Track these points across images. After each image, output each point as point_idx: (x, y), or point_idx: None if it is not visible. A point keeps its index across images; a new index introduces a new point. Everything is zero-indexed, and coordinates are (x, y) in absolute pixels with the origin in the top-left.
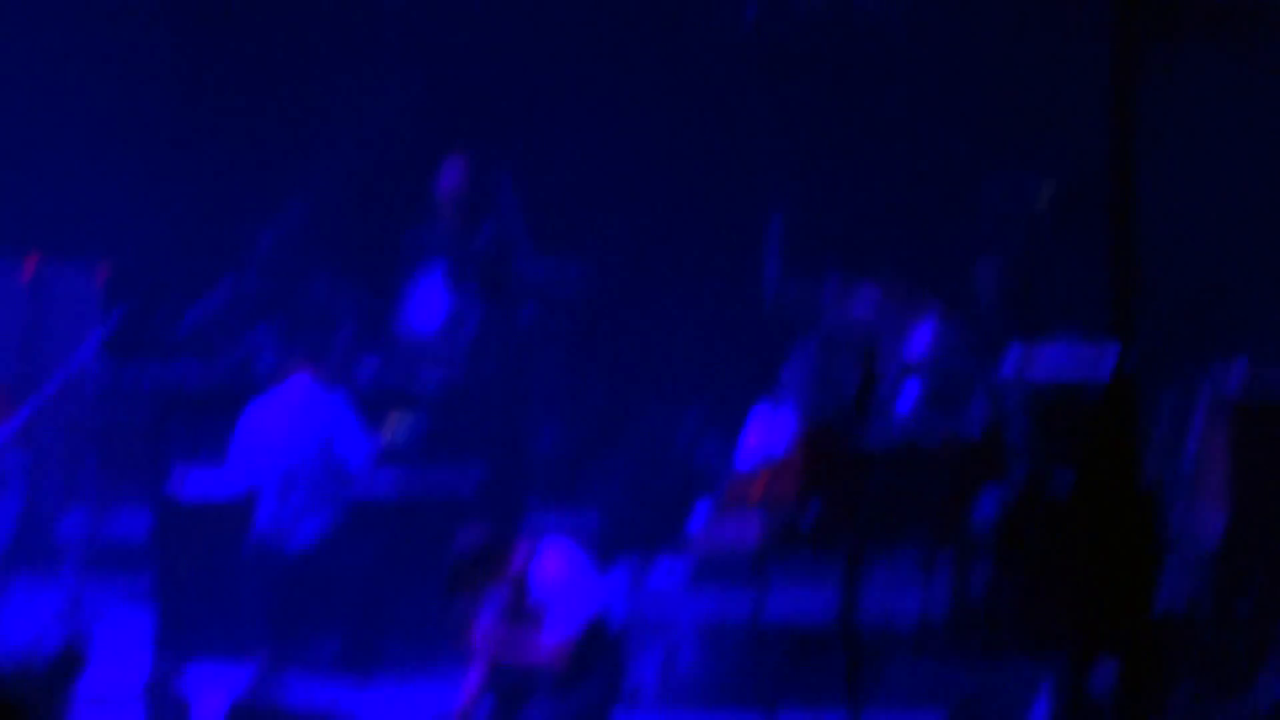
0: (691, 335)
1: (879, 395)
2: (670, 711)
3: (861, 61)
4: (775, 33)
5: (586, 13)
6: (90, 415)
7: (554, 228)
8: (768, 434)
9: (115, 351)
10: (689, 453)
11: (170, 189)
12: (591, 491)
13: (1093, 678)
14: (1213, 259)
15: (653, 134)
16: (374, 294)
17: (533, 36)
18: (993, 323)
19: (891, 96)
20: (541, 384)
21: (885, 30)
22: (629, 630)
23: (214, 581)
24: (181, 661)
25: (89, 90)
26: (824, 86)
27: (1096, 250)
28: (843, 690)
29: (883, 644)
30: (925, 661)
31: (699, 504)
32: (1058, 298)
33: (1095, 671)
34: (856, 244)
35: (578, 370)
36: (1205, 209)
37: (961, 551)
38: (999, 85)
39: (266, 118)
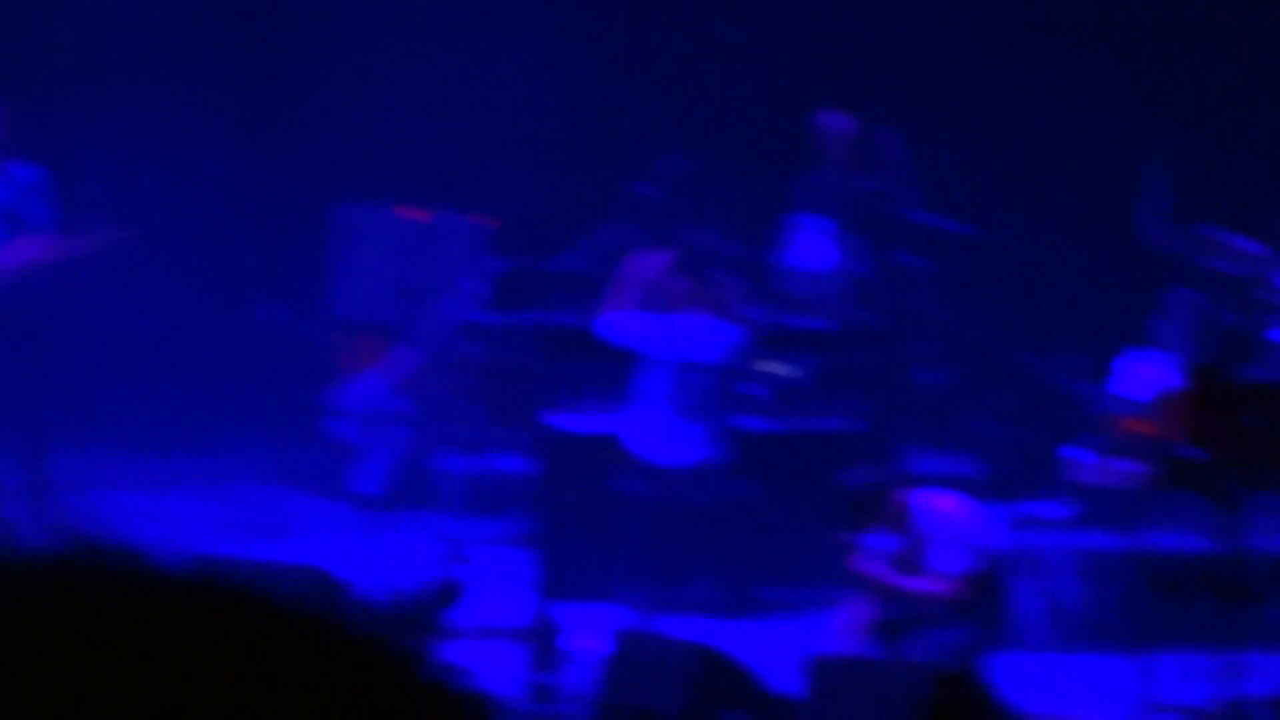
0: (1067, 275)
1: (1260, 336)
2: (1053, 649)
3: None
4: None
5: None
6: (473, 357)
7: (938, 187)
8: (1147, 376)
9: (498, 297)
10: (1069, 394)
11: (553, 146)
12: (971, 432)
13: None
14: None
15: (1029, 87)
16: (757, 241)
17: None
18: None
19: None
20: (924, 327)
21: None
22: (1012, 569)
23: (594, 521)
24: (560, 601)
25: (485, 59)
26: (1210, 43)
27: None
28: (1225, 629)
29: (1266, 583)
30: None
31: (1079, 445)
32: None
33: None
34: (1234, 194)
35: (960, 314)
36: None
37: None
38: None
39: (646, 73)
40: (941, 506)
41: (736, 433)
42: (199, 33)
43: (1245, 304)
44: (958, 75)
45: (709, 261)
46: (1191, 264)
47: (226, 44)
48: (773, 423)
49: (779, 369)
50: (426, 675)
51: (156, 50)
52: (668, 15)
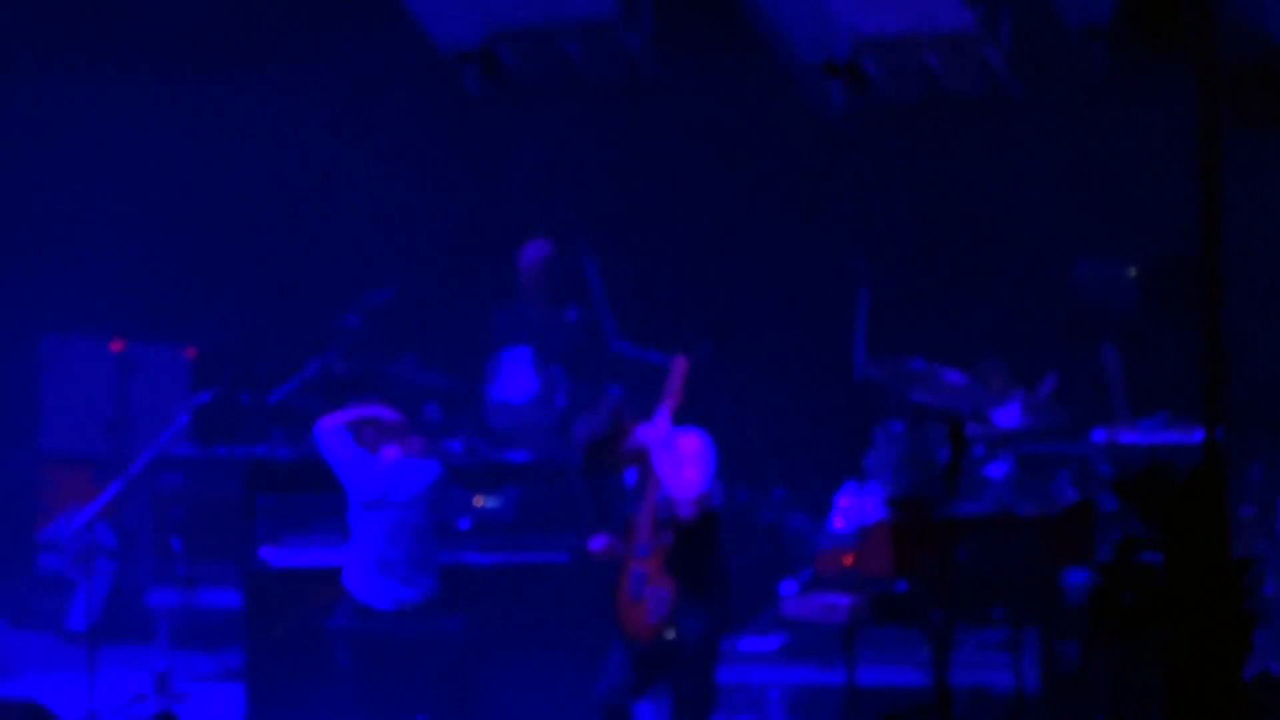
0: (779, 411)
1: (968, 469)
2: None
3: (950, 145)
4: (863, 118)
5: (671, 101)
6: (180, 489)
7: (640, 313)
8: (857, 508)
9: (204, 428)
10: (778, 526)
11: (257, 275)
12: None
13: None
14: None
15: (738, 217)
16: (460, 373)
17: (619, 127)
18: (1094, 401)
19: (978, 179)
20: None
21: (974, 116)
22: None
23: (304, 655)
24: None
25: (178, 185)
26: (912, 170)
27: (1186, 331)
28: None
29: (973, 715)
30: None
31: (789, 579)
32: (1147, 377)
33: None
34: (942, 324)
35: None
36: None
37: (1052, 624)
38: (1088, 169)
39: (353, 206)
40: (688, 442)
41: (443, 567)
42: None
43: (957, 438)
44: (663, 205)
45: (411, 393)
46: (901, 397)
47: None
48: (478, 556)
49: (483, 502)
50: None
51: None
52: (369, 146)
